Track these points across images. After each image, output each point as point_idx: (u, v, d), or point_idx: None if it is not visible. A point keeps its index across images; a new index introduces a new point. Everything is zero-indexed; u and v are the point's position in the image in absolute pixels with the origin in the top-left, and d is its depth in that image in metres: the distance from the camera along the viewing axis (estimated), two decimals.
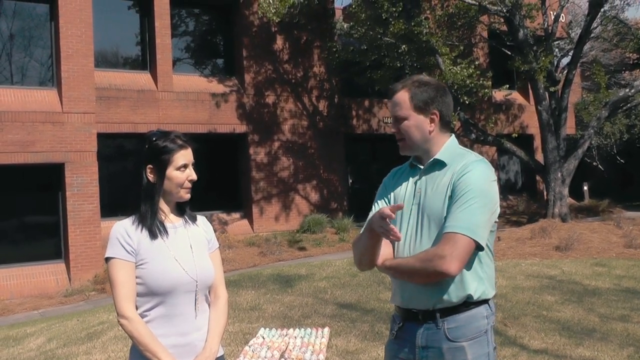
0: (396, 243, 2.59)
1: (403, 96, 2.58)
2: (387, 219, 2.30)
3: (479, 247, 2.39)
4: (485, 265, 2.49)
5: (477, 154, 2.57)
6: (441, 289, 2.43)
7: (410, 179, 2.64)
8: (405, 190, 2.63)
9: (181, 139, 2.69)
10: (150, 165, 2.65)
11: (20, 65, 14.45)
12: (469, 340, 2.43)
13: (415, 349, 2.50)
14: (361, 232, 2.63)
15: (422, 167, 2.61)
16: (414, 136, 2.57)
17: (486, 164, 2.50)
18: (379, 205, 2.68)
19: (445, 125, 2.61)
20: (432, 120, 2.56)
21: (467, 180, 2.42)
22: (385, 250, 2.57)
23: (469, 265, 2.42)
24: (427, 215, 2.50)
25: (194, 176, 2.70)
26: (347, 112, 19.40)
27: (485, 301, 2.50)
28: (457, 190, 2.42)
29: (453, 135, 2.66)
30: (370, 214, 2.64)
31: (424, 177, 2.58)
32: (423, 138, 2.57)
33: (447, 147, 2.59)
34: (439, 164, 2.55)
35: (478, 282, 2.46)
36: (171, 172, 2.63)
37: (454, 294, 2.43)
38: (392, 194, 2.68)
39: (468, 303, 2.45)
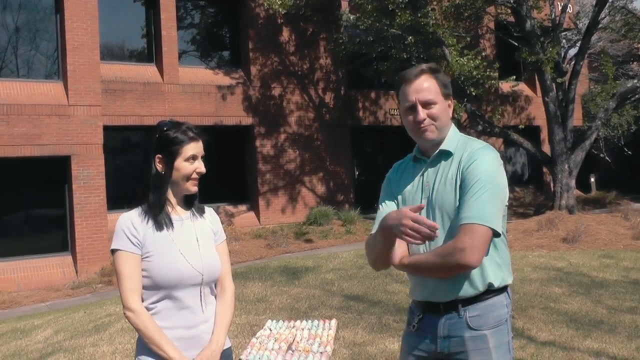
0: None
1: (429, 80, 2.52)
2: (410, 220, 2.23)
3: (495, 234, 2.37)
4: (501, 251, 2.48)
5: (480, 141, 2.54)
6: (463, 281, 2.42)
7: (416, 172, 2.60)
8: (412, 185, 2.59)
9: (193, 131, 2.66)
10: (159, 155, 2.63)
11: (26, 58, 14.45)
12: (490, 329, 2.42)
13: (437, 340, 2.48)
14: (372, 232, 2.57)
15: (427, 159, 2.57)
16: (443, 121, 2.52)
17: (492, 150, 2.48)
18: (387, 206, 2.62)
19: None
20: (449, 107, 2.56)
21: (476, 169, 2.39)
22: (400, 248, 2.52)
23: (486, 253, 2.39)
24: (439, 208, 2.47)
25: (203, 169, 2.67)
26: (354, 104, 19.35)
27: (504, 288, 2.50)
28: (466, 179, 2.40)
29: (452, 123, 2.63)
30: (379, 214, 2.60)
31: (430, 169, 2.55)
32: (446, 124, 2.54)
33: (452, 136, 2.56)
34: (445, 155, 2.52)
35: (497, 269, 2.45)
36: (180, 163, 2.61)
37: (475, 284, 2.42)
38: (399, 191, 2.64)
39: (489, 291, 2.44)
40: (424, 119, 2.49)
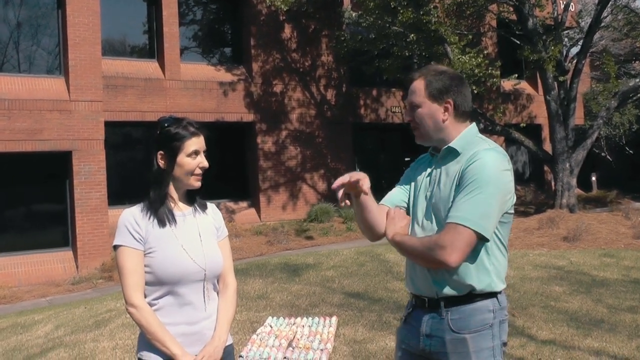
0: (411, 225, 2.60)
1: (419, 84, 2.57)
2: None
3: (483, 238, 2.36)
4: (494, 257, 2.45)
5: (491, 142, 2.53)
6: (444, 278, 2.43)
7: (428, 167, 2.64)
8: (423, 177, 2.64)
9: (193, 126, 2.67)
10: (161, 152, 2.63)
11: (28, 54, 14.44)
12: (472, 333, 2.41)
13: (420, 337, 2.51)
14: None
15: (437, 154, 2.62)
16: (427, 124, 2.56)
17: (497, 152, 2.45)
18: (399, 189, 2.73)
19: (462, 115, 2.58)
20: (445, 109, 2.54)
21: (474, 170, 2.39)
22: (398, 225, 2.58)
23: (474, 256, 2.39)
24: (437, 203, 2.49)
25: (206, 163, 2.67)
26: (355, 101, 19.34)
27: (491, 294, 2.46)
28: (464, 179, 2.40)
29: (474, 123, 2.63)
30: (389, 195, 2.72)
31: (438, 165, 2.58)
32: (436, 127, 2.55)
33: (463, 135, 2.56)
34: (453, 153, 2.53)
35: (483, 274, 2.43)
36: (182, 158, 2.61)
37: (456, 284, 2.42)
38: (411, 181, 2.71)
39: (472, 295, 2.43)
40: (408, 120, 2.63)
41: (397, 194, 2.70)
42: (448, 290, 2.43)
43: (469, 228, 2.32)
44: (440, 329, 2.44)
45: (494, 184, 2.37)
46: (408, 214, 2.65)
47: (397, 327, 2.73)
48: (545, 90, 16.48)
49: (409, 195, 2.68)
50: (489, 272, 2.44)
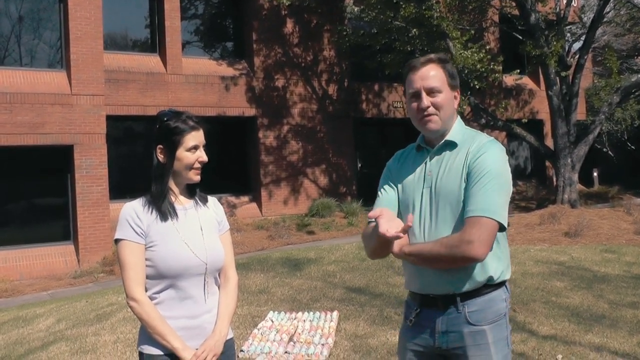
0: (410, 228, 2.49)
1: (436, 69, 2.51)
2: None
3: (501, 228, 2.36)
4: (502, 246, 2.47)
5: (486, 135, 2.54)
6: (463, 274, 2.40)
7: (418, 162, 2.58)
8: (413, 174, 2.57)
9: (193, 120, 2.65)
10: (160, 145, 2.62)
11: (30, 47, 14.43)
12: (489, 324, 2.41)
13: (435, 334, 2.46)
14: (369, 224, 2.57)
15: (430, 149, 2.56)
16: (446, 111, 2.50)
17: (499, 144, 2.48)
18: (386, 192, 2.62)
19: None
20: (455, 98, 2.55)
21: (484, 162, 2.38)
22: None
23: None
24: (442, 198, 2.45)
25: (205, 158, 2.66)
26: (357, 96, 19.32)
27: (503, 283, 2.48)
28: (474, 171, 2.38)
29: (459, 116, 2.63)
30: (378, 200, 2.60)
31: (433, 159, 2.53)
32: (451, 115, 2.53)
33: (457, 127, 2.56)
34: (450, 145, 2.51)
35: (498, 263, 2.44)
36: (181, 153, 2.60)
37: (476, 277, 2.40)
38: (399, 179, 2.62)
39: (488, 285, 2.43)
40: (428, 106, 2.48)
41: (392, 196, 2.60)
42: (465, 286, 2.40)
43: (492, 219, 2.31)
44: (457, 323, 2.42)
45: (504, 176, 2.40)
46: (399, 214, 2.55)
47: (401, 330, 2.66)
48: (547, 85, 16.45)
49: (399, 195, 2.60)
50: (501, 260, 2.46)
